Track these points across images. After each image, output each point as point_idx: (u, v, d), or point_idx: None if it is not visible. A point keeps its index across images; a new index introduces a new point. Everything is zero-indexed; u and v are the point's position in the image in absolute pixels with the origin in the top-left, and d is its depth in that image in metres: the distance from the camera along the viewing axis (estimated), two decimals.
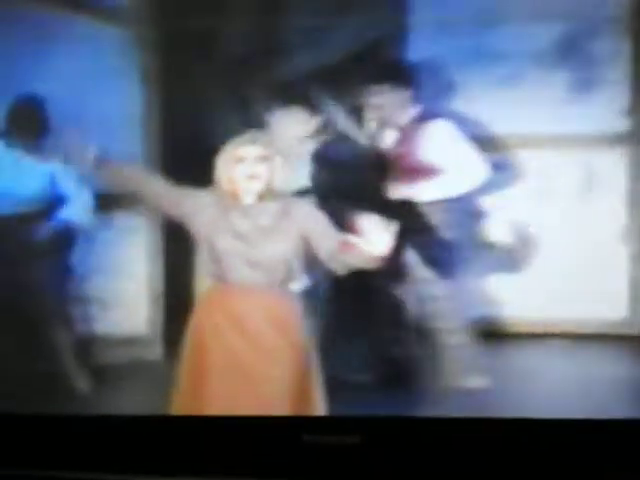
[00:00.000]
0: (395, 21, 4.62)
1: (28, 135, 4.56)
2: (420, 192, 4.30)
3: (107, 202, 4.67)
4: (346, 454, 3.39)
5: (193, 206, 3.24)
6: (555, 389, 4.12)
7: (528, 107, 4.47)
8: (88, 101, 4.60)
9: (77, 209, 4.57)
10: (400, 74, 4.35)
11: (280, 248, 3.15)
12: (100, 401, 4.24)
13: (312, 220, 3.20)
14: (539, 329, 4.60)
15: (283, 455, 3.44)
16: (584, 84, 4.51)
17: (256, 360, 3.14)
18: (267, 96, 4.76)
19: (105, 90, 4.64)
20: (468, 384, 4.22)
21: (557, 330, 4.56)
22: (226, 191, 3.21)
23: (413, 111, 4.37)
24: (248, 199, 3.19)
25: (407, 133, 4.35)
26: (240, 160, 3.19)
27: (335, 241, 3.13)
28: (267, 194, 3.19)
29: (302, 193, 4.13)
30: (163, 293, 4.83)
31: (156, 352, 4.78)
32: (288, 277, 3.21)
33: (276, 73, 4.79)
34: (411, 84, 4.36)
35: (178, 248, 4.71)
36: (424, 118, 4.34)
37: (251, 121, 4.81)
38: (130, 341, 4.72)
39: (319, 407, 3.23)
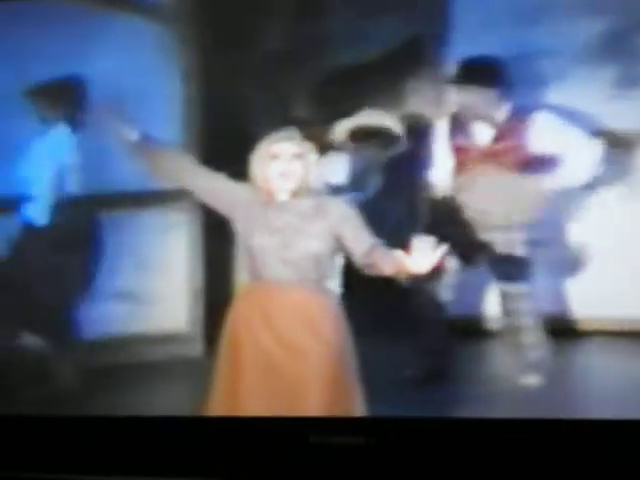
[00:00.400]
0: (437, 19, 4.59)
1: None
2: (546, 182, 4.28)
3: (146, 198, 4.72)
4: (352, 455, 3.39)
5: (231, 200, 3.25)
6: (614, 388, 4.08)
7: (573, 104, 4.39)
8: (128, 99, 4.43)
9: None
10: (489, 72, 4.29)
11: (313, 246, 3.14)
12: (140, 400, 4.23)
13: (347, 221, 3.18)
14: (599, 326, 4.55)
15: (289, 456, 3.45)
16: (631, 80, 4.42)
17: (289, 358, 3.13)
18: (308, 93, 4.73)
19: (145, 87, 4.65)
20: (523, 382, 4.23)
21: (618, 328, 4.50)
22: (260, 188, 3.20)
23: (506, 107, 4.33)
24: (282, 196, 3.18)
25: (508, 128, 4.29)
26: (274, 157, 3.19)
27: (369, 245, 3.12)
28: (301, 191, 3.17)
29: (338, 191, 4.09)
30: (203, 289, 4.83)
31: (196, 349, 4.79)
32: (322, 275, 3.19)
33: (317, 70, 4.75)
34: (500, 81, 4.31)
35: (218, 244, 4.79)
36: (521, 112, 4.31)
37: (291, 118, 4.83)
38: (170, 338, 4.74)
39: (358, 407, 3.20)
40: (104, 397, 4.20)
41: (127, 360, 4.62)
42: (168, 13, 4.66)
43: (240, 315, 3.23)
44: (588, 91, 4.40)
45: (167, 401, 4.24)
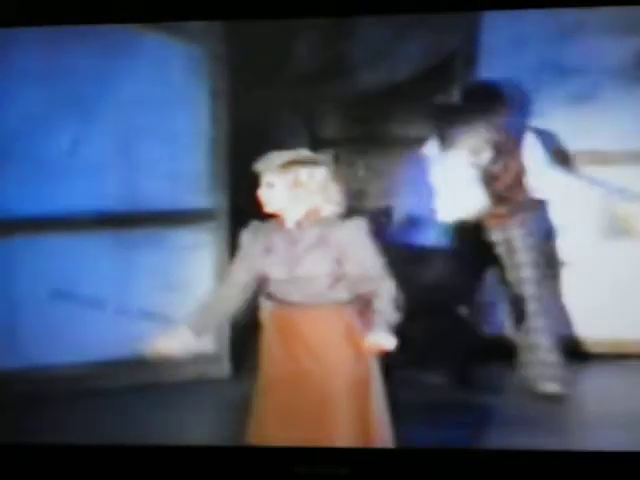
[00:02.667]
0: (467, 38, 4.60)
1: None
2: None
3: (172, 217, 4.73)
4: None
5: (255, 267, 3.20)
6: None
7: (605, 123, 4.43)
8: (156, 117, 4.67)
9: None
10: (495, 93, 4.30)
11: (316, 271, 3.10)
12: (166, 421, 4.22)
13: (351, 247, 3.11)
14: (616, 349, 4.57)
15: None
16: None
17: (310, 381, 3.10)
18: (337, 113, 4.72)
19: (173, 106, 4.69)
20: (546, 389, 4.29)
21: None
22: (270, 212, 3.19)
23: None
24: (290, 222, 3.14)
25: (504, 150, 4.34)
26: (287, 180, 3.13)
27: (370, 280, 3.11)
28: (309, 216, 3.13)
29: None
30: None
31: (223, 370, 4.81)
32: (336, 296, 3.13)
33: (346, 90, 4.73)
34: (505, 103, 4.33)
35: None
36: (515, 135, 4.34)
37: (318, 138, 4.83)
38: (197, 359, 4.63)
39: (382, 433, 3.13)
40: (130, 418, 4.22)
41: (153, 380, 4.60)
42: (197, 33, 4.69)
43: (265, 340, 3.24)
44: (622, 110, 4.40)
45: (194, 422, 4.25)
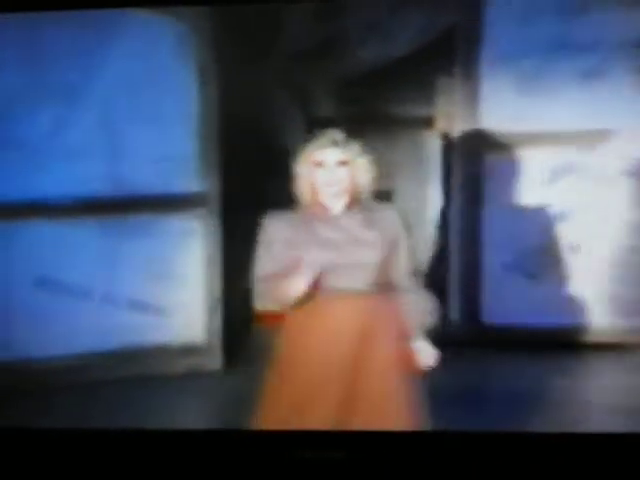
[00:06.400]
0: (470, 13, 4.49)
1: None
2: None
3: (162, 202, 4.65)
4: (332, 469, 3.40)
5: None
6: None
7: (613, 101, 4.35)
8: (143, 98, 4.57)
9: None
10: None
11: (368, 255, 3.04)
12: (157, 413, 4.13)
13: (400, 234, 3.09)
14: (617, 339, 4.52)
15: (270, 470, 3.46)
16: None
17: (348, 368, 3.03)
18: (332, 92, 4.62)
19: (160, 85, 4.60)
20: None
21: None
22: (308, 199, 3.09)
23: None
24: (333, 209, 3.07)
25: None
26: (319, 165, 3.06)
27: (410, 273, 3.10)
28: (352, 201, 3.07)
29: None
30: (222, 299, 4.76)
31: (215, 362, 4.73)
32: (381, 283, 3.08)
33: (341, 69, 4.65)
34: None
35: (237, 252, 4.69)
36: None
37: (312, 118, 4.74)
38: (187, 350, 4.66)
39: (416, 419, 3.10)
40: (118, 410, 4.12)
41: (142, 372, 4.55)
42: (186, 11, 4.60)
43: (297, 329, 3.10)
44: (630, 87, 4.32)
45: (184, 415, 4.16)
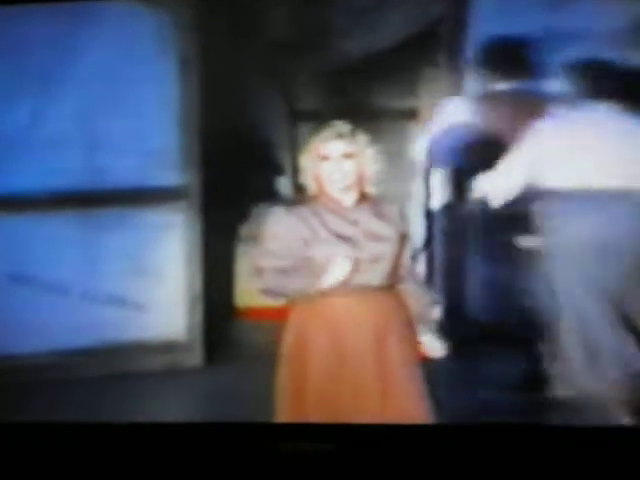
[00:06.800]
0: (455, 1, 4.45)
1: None
2: None
3: (141, 195, 4.59)
4: (321, 462, 3.43)
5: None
6: None
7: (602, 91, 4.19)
8: (122, 89, 4.50)
9: None
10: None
11: (387, 249, 3.03)
12: (134, 411, 4.04)
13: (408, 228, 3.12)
14: None
15: (260, 462, 3.47)
16: None
17: (364, 367, 3.02)
18: (315, 84, 4.57)
19: (141, 75, 4.53)
20: None
21: None
22: (315, 192, 3.07)
23: None
24: (345, 202, 3.04)
25: None
26: (324, 158, 3.02)
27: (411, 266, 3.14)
28: (360, 194, 3.05)
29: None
30: (202, 294, 4.69)
31: (195, 358, 4.67)
32: (393, 279, 3.07)
33: (325, 59, 4.59)
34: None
35: (218, 246, 4.78)
36: None
37: (295, 111, 4.70)
38: (167, 346, 4.60)
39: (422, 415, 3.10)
40: (97, 407, 4.04)
41: (121, 369, 4.48)
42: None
43: (302, 327, 3.07)
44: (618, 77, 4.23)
45: (163, 413, 4.07)
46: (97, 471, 3.52)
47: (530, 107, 4.13)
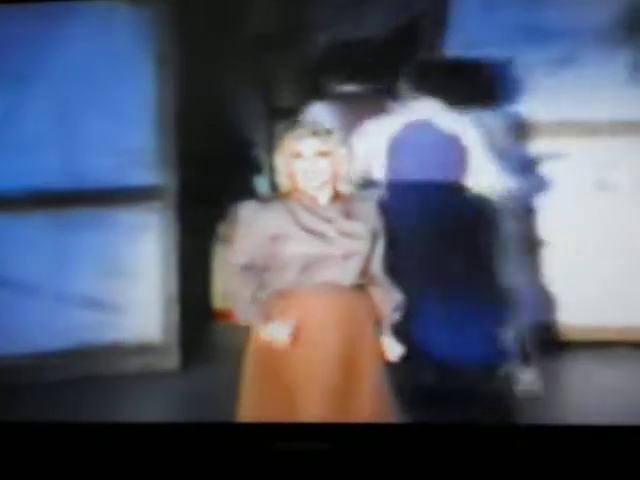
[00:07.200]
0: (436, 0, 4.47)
1: None
2: None
3: (115, 195, 4.55)
4: (317, 461, 3.46)
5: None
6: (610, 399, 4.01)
7: (585, 90, 4.31)
8: (97, 87, 4.46)
9: None
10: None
11: (355, 246, 3.04)
12: (110, 414, 4.02)
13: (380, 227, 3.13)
14: (596, 336, 4.47)
15: (256, 462, 3.51)
16: None
17: (345, 364, 3.03)
18: (294, 81, 4.53)
19: (116, 73, 4.50)
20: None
21: (616, 338, 4.44)
22: (288, 190, 3.08)
23: None
24: (321, 199, 3.05)
25: None
26: (298, 156, 3.04)
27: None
28: (335, 192, 3.07)
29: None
30: (178, 295, 4.65)
31: (172, 361, 4.62)
32: (365, 277, 3.09)
33: (304, 57, 4.63)
34: None
35: (194, 246, 4.68)
36: None
37: (275, 108, 4.66)
38: (142, 349, 4.57)
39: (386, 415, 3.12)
40: (72, 410, 4.03)
41: (95, 373, 4.45)
42: None
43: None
44: (602, 76, 4.28)
45: (140, 416, 4.03)
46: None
47: (376, 108, 4.25)
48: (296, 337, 3.01)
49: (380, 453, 3.47)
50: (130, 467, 3.59)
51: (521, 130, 4.45)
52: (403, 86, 4.22)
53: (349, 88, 4.60)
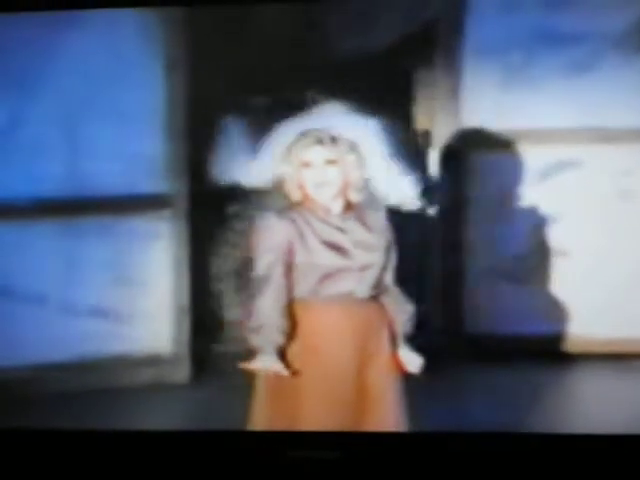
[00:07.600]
0: (452, 2, 4.44)
1: None
2: None
3: (126, 204, 4.54)
4: (327, 470, 3.49)
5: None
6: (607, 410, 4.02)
7: (603, 96, 4.28)
8: (105, 93, 4.45)
9: None
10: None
11: (375, 259, 3.04)
12: (120, 426, 3.95)
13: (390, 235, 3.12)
14: (592, 348, 4.47)
15: (265, 470, 3.53)
16: None
17: (360, 376, 3.03)
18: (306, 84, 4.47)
19: (124, 80, 4.48)
20: None
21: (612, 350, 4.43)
22: (299, 200, 3.06)
23: None
24: (334, 209, 3.05)
25: None
26: (306, 165, 3.02)
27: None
28: (349, 202, 3.07)
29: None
30: (189, 306, 4.63)
31: (182, 373, 4.61)
32: (379, 288, 3.08)
33: (317, 59, 4.57)
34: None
35: (206, 256, 4.65)
36: None
37: (289, 114, 4.64)
38: (153, 360, 4.55)
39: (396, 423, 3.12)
40: (78, 424, 3.95)
41: (104, 385, 4.44)
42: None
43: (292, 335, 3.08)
44: (620, 81, 4.27)
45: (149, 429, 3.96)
46: None
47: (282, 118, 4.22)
48: (312, 349, 2.99)
49: (390, 462, 3.48)
50: (141, 476, 3.59)
51: (530, 137, 4.44)
52: (309, 92, 4.21)
53: (259, 100, 4.59)
